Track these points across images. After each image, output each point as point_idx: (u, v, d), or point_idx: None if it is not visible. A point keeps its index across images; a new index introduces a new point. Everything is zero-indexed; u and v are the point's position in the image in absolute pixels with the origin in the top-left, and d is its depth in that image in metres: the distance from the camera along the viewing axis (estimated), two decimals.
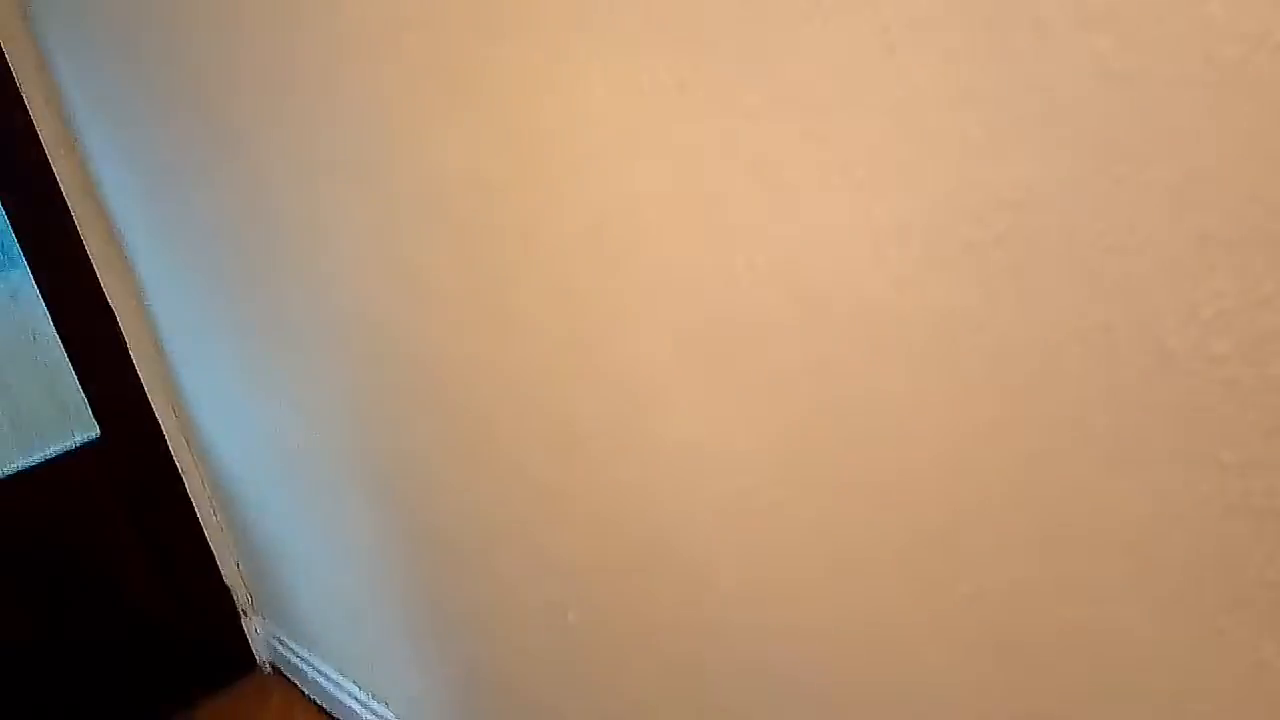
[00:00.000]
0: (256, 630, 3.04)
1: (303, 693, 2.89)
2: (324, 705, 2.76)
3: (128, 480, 2.72)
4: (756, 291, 0.94)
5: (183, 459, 2.79)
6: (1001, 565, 0.86)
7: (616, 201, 1.04)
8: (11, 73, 2.37)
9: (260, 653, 3.07)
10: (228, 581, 2.97)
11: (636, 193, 1.02)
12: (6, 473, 2.55)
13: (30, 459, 2.59)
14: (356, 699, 2.53)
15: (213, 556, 2.92)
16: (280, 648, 2.94)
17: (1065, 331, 0.74)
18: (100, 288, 2.59)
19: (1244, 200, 0.62)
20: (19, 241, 2.49)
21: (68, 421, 2.65)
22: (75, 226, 2.53)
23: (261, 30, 1.52)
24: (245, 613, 3.02)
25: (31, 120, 2.42)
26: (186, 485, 2.82)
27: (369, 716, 2.47)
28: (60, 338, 2.58)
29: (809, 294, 0.90)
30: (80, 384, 2.62)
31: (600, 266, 1.10)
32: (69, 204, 2.51)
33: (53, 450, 2.62)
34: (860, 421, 0.91)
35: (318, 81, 1.45)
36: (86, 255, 2.56)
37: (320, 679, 2.71)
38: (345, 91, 1.39)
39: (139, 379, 2.68)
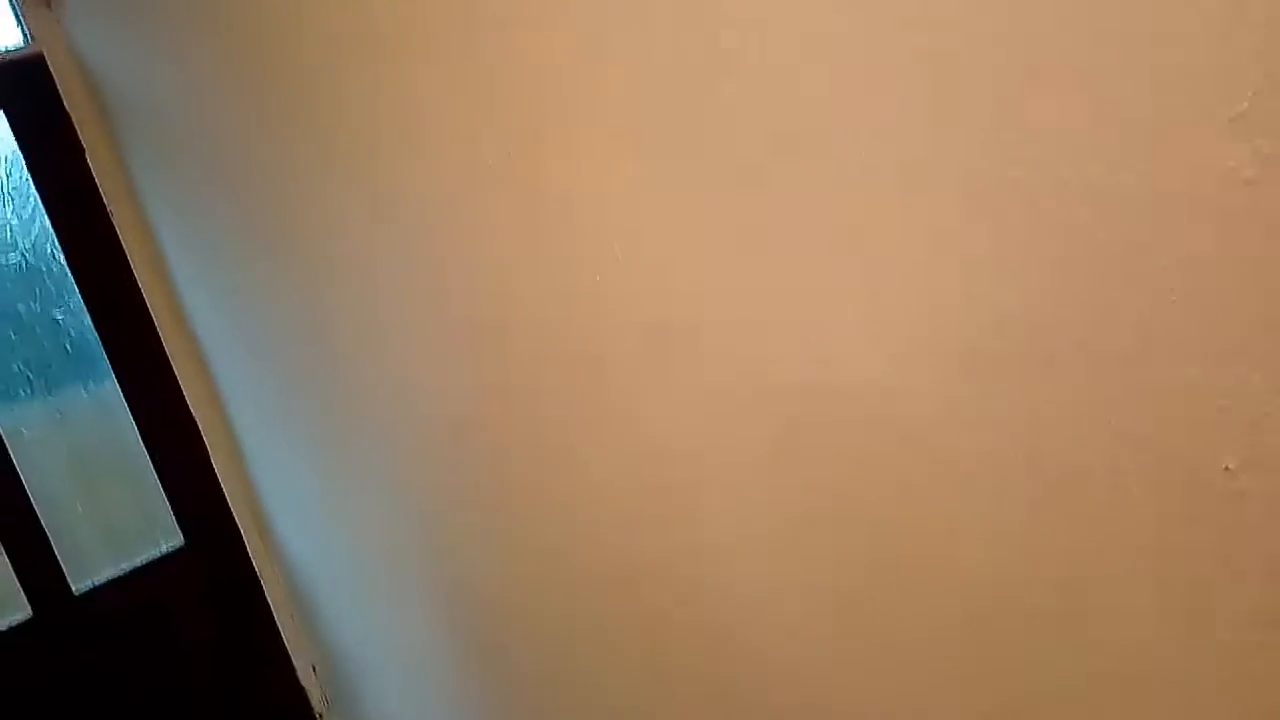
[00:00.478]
0: None
1: None
2: None
3: (210, 585, 2.80)
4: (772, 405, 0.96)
5: (262, 564, 2.87)
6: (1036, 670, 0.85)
7: (681, 347, 1.08)
8: (101, 196, 2.52)
9: None
10: (304, 683, 3.02)
11: (699, 333, 1.05)
12: (99, 582, 2.65)
13: (119, 568, 2.69)
14: None
15: (289, 659, 2.98)
16: None
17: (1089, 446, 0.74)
18: (184, 400, 2.70)
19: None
20: (108, 356, 2.62)
21: (155, 530, 2.75)
22: (161, 342, 2.65)
23: (351, 185, 1.60)
24: (321, 715, 3.06)
25: (120, 242, 2.56)
26: (265, 590, 2.89)
27: None
28: (147, 449, 2.69)
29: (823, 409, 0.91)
30: (166, 493, 2.72)
31: (667, 404, 1.13)
32: (156, 322, 2.63)
33: (141, 559, 2.72)
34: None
35: (392, 215, 1.52)
36: (171, 369, 2.68)
37: None
38: (424, 227, 1.46)
39: (220, 488, 2.77)
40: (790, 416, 0.97)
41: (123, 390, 2.65)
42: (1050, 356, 0.73)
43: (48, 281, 2.55)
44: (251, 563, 2.84)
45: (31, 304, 2.55)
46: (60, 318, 2.59)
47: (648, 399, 1.15)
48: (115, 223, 2.54)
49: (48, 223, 2.50)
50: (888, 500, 0.91)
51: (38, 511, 2.53)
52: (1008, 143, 0.69)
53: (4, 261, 2.51)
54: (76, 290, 2.56)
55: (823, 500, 0.98)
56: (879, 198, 0.80)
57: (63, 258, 2.53)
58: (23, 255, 2.52)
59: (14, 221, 2.49)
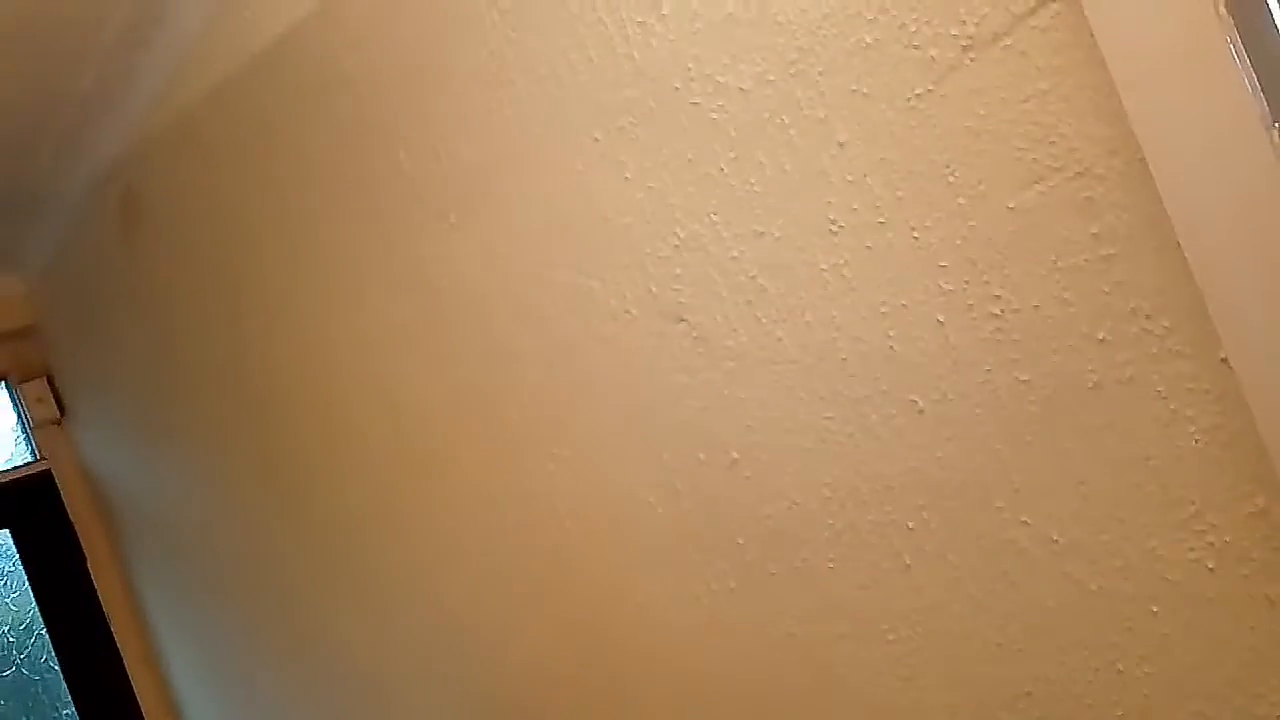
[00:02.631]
0: None
1: None
2: None
3: None
4: None
5: None
6: None
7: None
8: (101, 605, 2.53)
9: None
10: None
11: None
12: None
13: None
14: None
15: None
16: None
17: None
18: None
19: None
20: None
21: None
22: None
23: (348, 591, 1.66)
24: None
25: (118, 648, 2.54)
26: None
27: None
28: None
29: None
30: None
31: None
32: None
33: None
34: None
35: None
36: None
37: None
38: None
39: None
40: None
41: None
42: None
43: (42, 693, 2.51)
44: None
45: (25, 718, 2.49)
46: None
47: None
48: (113, 626, 2.54)
49: (44, 632, 2.50)
50: None
51: None
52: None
53: (0, 675, 2.48)
54: (70, 699, 2.51)
55: None
56: None
57: (58, 666, 2.50)
58: (18, 667, 2.50)
59: (11, 635, 2.49)
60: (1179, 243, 0.68)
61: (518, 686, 1.44)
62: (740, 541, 1.08)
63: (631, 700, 1.27)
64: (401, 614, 1.62)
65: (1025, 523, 0.83)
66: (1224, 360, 0.68)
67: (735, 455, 1.06)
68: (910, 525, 0.92)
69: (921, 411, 0.88)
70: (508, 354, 1.26)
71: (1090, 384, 0.75)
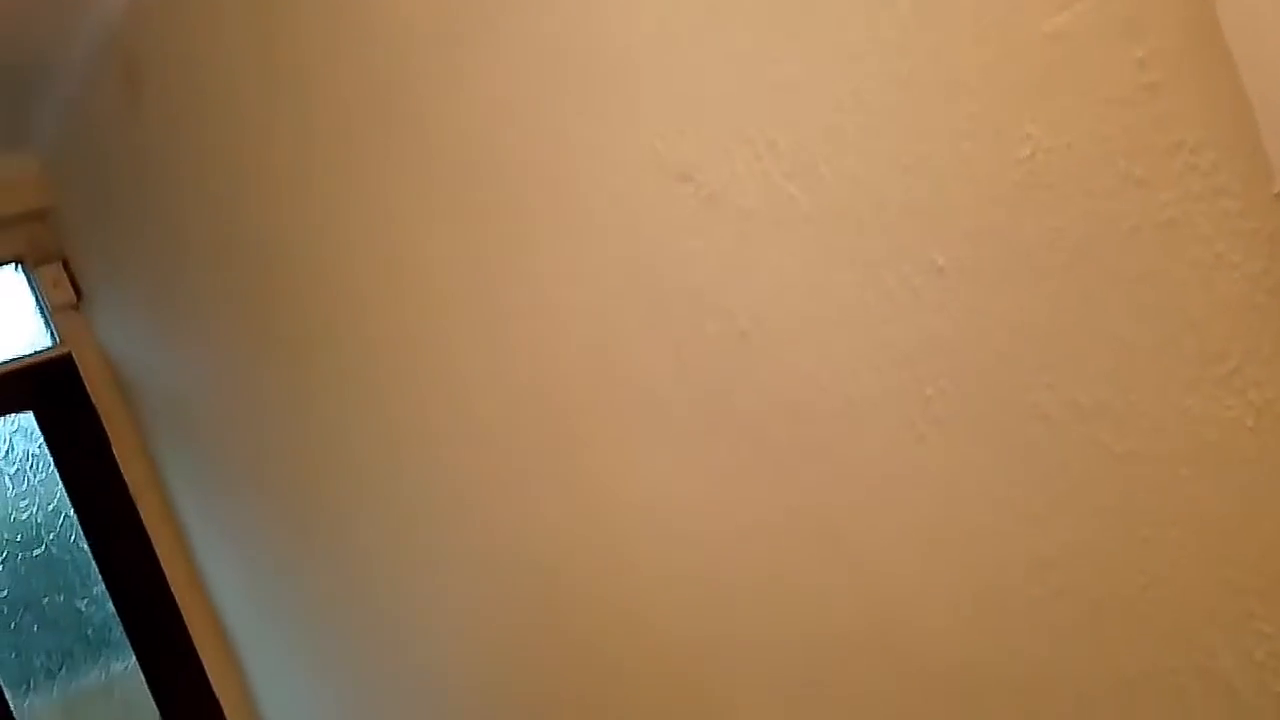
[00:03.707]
0: None
1: None
2: None
3: None
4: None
5: None
6: None
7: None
8: (126, 484, 2.56)
9: None
10: None
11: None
12: None
13: None
14: None
15: None
16: None
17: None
18: (208, 681, 2.65)
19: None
20: (130, 640, 2.58)
21: None
22: (184, 624, 2.62)
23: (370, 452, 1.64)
24: None
25: (145, 527, 2.58)
26: None
27: None
28: None
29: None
30: None
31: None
32: (179, 604, 2.62)
33: None
34: None
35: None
36: (195, 651, 2.64)
37: None
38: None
39: None
40: None
41: (145, 675, 2.60)
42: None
43: (71, 571, 2.56)
44: None
45: (55, 595, 2.55)
46: (83, 606, 2.58)
47: None
48: (140, 508, 2.57)
49: (72, 514, 2.53)
50: None
51: None
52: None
53: (30, 555, 2.52)
54: (99, 578, 2.55)
55: None
56: None
57: (87, 546, 2.54)
58: (48, 547, 2.54)
59: (39, 516, 2.52)
60: (1232, 62, 0.60)
61: (532, 554, 1.43)
62: (750, 413, 1.03)
63: (637, 570, 1.25)
64: (417, 486, 1.60)
65: (1049, 386, 0.78)
66: (1277, 196, 0.61)
67: (746, 326, 1.01)
68: (928, 393, 0.87)
69: (942, 270, 0.82)
70: (517, 211, 1.21)
71: (1127, 228, 0.68)
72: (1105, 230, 0.70)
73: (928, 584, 0.93)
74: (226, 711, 2.67)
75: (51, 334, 2.54)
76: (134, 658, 2.60)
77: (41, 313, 2.54)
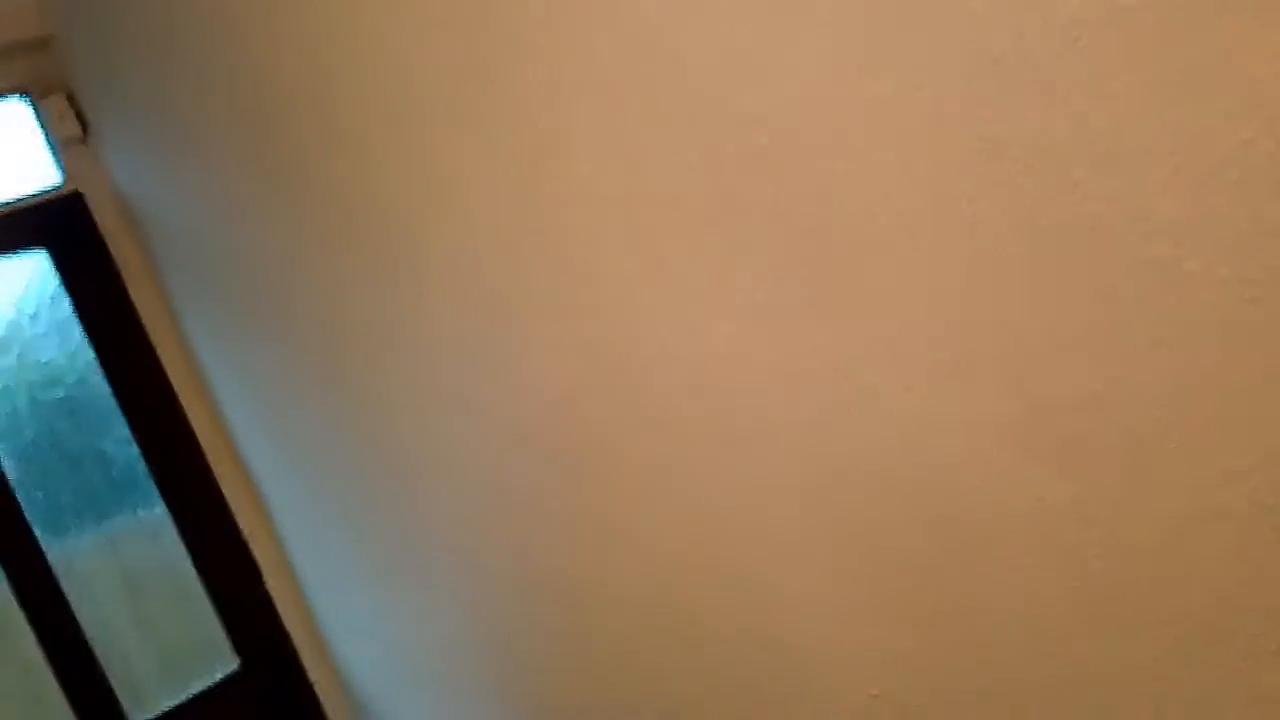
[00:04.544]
0: None
1: None
2: None
3: (269, 709, 2.74)
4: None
5: (322, 686, 2.81)
6: None
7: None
8: (144, 325, 2.53)
9: None
10: None
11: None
12: (154, 715, 2.60)
13: (177, 697, 2.64)
14: None
15: None
16: None
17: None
18: (235, 523, 2.68)
19: None
20: (156, 483, 2.60)
21: (210, 655, 2.70)
22: (209, 466, 2.63)
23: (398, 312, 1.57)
24: None
25: (165, 369, 2.56)
26: (324, 707, 2.82)
27: None
28: (199, 574, 2.66)
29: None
30: (220, 618, 2.68)
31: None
32: (203, 446, 2.62)
33: (198, 685, 2.67)
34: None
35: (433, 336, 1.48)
36: (220, 492, 2.65)
37: None
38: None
39: (275, 609, 2.73)
40: None
41: (172, 516, 2.63)
42: None
43: (94, 413, 2.55)
44: (310, 685, 2.78)
45: (79, 437, 2.55)
46: (108, 448, 2.59)
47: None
48: (159, 350, 2.54)
49: (92, 355, 2.51)
50: None
51: (91, 645, 2.50)
52: None
53: (51, 397, 2.52)
54: (123, 419, 2.55)
55: None
56: None
57: (109, 388, 2.53)
58: (69, 389, 2.53)
59: (60, 358, 2.51)
60: None
61: (543, 411, 1.36)
62: (769, 238, 0.94)
63: (650, 407, 1.18)
64: (427, 341, 1.54)
65: (1108, 197, 0.67)
66: None
67: (765, 140, 0.90)
68: (966, 203, 0.77)
69: (997, 60, 0.71)
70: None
71: None
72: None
73: (956, 426, 0.85)
74: (255, 552, 2.71)
75: (61, 171, 2.46)
76: (160, 499, 2.63)
77: (51, 148, 2.45)
